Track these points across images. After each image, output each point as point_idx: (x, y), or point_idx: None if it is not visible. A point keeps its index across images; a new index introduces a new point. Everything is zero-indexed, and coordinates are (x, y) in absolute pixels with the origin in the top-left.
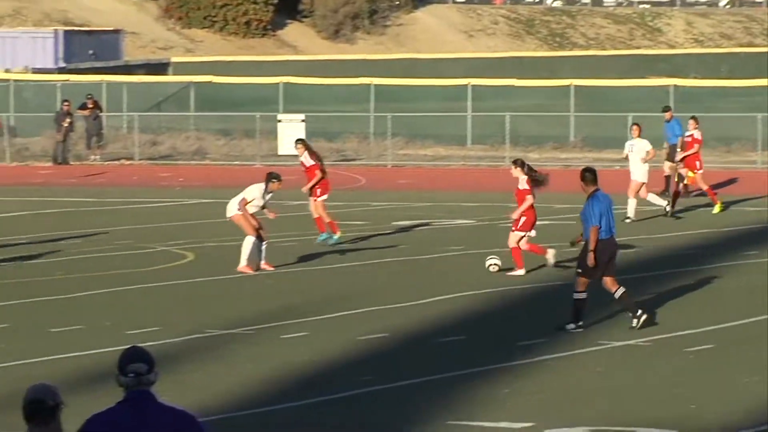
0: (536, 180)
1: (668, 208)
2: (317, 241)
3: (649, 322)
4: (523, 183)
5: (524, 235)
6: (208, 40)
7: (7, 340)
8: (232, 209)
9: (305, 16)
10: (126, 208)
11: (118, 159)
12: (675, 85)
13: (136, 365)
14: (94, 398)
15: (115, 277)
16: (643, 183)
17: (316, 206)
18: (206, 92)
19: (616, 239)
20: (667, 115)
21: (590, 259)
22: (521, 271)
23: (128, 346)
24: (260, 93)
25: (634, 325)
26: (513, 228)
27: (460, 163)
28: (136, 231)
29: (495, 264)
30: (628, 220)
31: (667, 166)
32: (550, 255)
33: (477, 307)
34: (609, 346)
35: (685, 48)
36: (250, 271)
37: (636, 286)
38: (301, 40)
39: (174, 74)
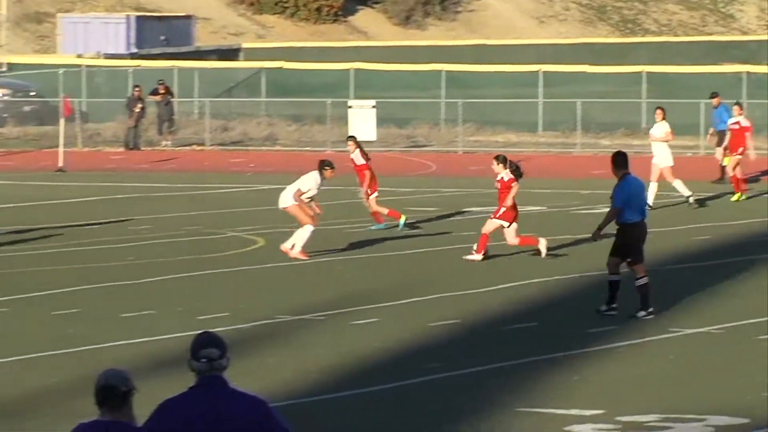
0: (518, 174)
1: (691, 200)
2: (371, 228)
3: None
4: (507, 175)
5: (500, 225)
6: (279, 26)
7: (78, 325)
8: (287, 200)
9: (376, 2)
10: (197, 194)
11: (190, 144)
12: (748, 72)
13: (208, 350)
14: (165, 383)
15: (185, 263)
16: (669, 166)
17: (370, 203)
18: (277, 78)
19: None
20: (715, 101)
21: (594, 234)
22: (479, 257)
23: (200, 332)
24: (331, 79)
25: (639, 315)
26: (492, 216)
27: (531, 150)
28: (206, 216)
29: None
30: (692, 199)
31: (718, 153)
32: (542, 245)
33: (548, 294)
34: (680, 333)
35: (758, 35)
36: (306, 258)
37: (706, 273)
38: (372, 26)
39: (245, 60)
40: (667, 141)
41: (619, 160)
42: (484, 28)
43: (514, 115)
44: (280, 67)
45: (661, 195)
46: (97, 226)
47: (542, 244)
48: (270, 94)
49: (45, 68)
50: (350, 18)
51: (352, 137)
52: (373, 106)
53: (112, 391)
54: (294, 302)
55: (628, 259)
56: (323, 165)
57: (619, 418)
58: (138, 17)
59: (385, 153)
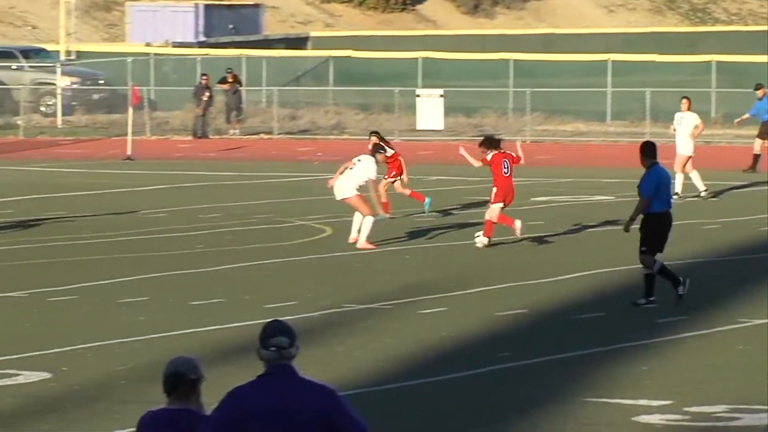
0: (494, 143)
1: (704, 194)
2: (426, 212)
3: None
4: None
5: (503, 205)
6: (347, 14)
7: (147, 313)
8: (348, 191)
9: None
10: (264, 183)
11: (258, 133)
12: None
13: (277, 339)
14: (233, 372)
15: (253, 251)
16: (689, 156)
17: (397, 186)
18: (345, 67)
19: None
20: (760, 92)
21: (626, 225)
22: (486, 240)
23: (270, 320)
24: (399, 68)
25: (640, 302)
26: (491, 202)
27: (600, 139)
28: (274, 205)
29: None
30: (676, 197)
31: (757, 144)
32: (518, 226)
33: (616, 284)
34: (749, 324)
35: None
36: (373, 247)
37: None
38: (441, 15)
39: (313, 49)
40: (694, 134)
41: (648, 149)
42: (553, 17)
43: (583, 105)
44: (348, 56)
45: (722, 186)
46: (165, 215)
47: (518, 225)
48: (338, 82)
49: (113, 56)
50: (418, 7)
51: (375, 132)
52: (441, 95)
53: (181, 379)
54: (361, 291)
55: (642, 248)
56: (377, 149)
57: (687, 409)
58: (206, 6)
59: (453, 142)
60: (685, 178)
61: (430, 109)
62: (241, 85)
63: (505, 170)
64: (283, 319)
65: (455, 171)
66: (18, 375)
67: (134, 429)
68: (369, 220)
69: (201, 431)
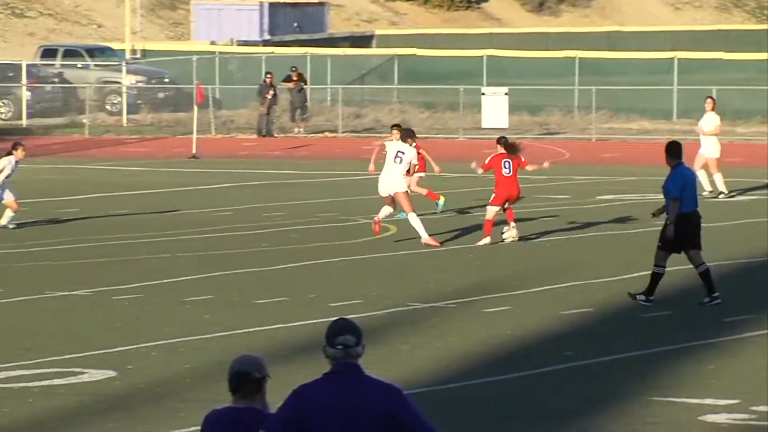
0: (512, 150)
1: (721, 196)
2: (439, 212)
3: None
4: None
5: (499, 209)
6: (412, 12)
7: (212, 312)
8: (401, 185)
9: None
10: (329, 181)
11: (322, 132)
12: None
13: (344, 337)
14: (298, 370)
15: (318, 250)
16: (716, 158)
17: (418, 182)
18: (410, 65)
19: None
20: None
21: (670, 231)
22: (487, 240)
23: (336, 318)
24: (464, 66)
25: (705, 301)
26: (489, 203)
27: (666, 137)
28: (338, 203)
29: (510, 236)
30: (722, 196)
31: None
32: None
33: (683, 283)
34: None
35: None
36: (437, 244)
37: None
38: (506, 13)
39: (378, 47)
40: (716, 134)
41: (673, 149)
42: (618, 15)
43: (649, 102)
44: (413, 54)
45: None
46: (230, 213)
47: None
48: (402, 81)
49: (179, 55)
50: (483, 5)
51: (397, 125)
52: (506, 93)
53: (246, 378)
54: (426, 290)
55: (659, 244)
56: (408, 133)
57: (754, 408)
58: (271, 4)
59: (518, 140)
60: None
61: (494, 108)
62: (305, 84)
63: (506, 170)
64: (349, 318)
65: (520, 169)
66: (83, 373)
67: (199, 427)
68: (414, 217)
69: (266, 429)
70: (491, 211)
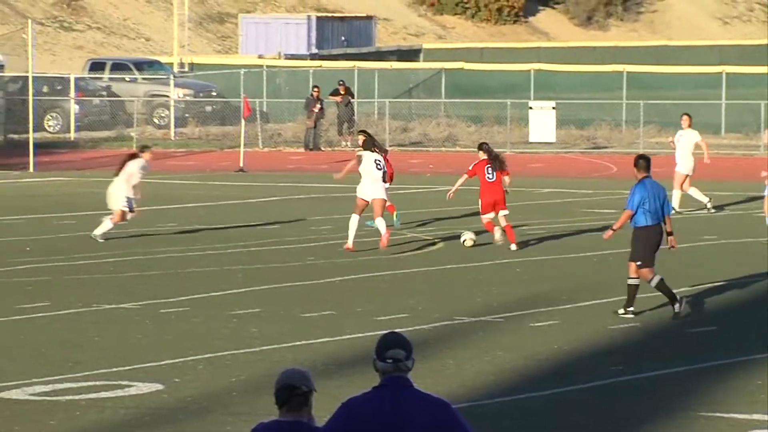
0: (498, 163)
1: (709, 204)
2: (396, 225)
3: (689, 309)
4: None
5: (493, 215)
6: (460, 26)
7: (259, 325)
8: (382, 191)
9: (558, 3)
10: None
11: None
12: None
13: (394, 351)
14: (344, 384)
15: (364, 263)
16: (687, 175)
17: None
18: (457, 79)
19: (663, 228)
20: None
21: (606, 234)
22: (497, 234)
23: (386, 332)
24: (511, 80)
25: (677, 310)
26: (481, 213)
27: (714, 152)
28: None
29: (470, 239)
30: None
31: None
32: (497, 234)
33: (730, 297)
34: None
35: None
36: (352, 249)
37: None
38: (554, 27)
39: (425, 61)
40: (706, 153)
41: (641, 163)
42: (667, 29)
43: (697, 117)
44: (461, 68)
45: None
46: (277, 227)
47: (497, 233)
48: (450, 94)
49: (226, 69)
50: (531, 18)
51: (363, 131)
52: (554, 107)
53: (293, 391)
54: (473, 303)
55: (638, 263)
56: (372, 143)
57: None
58: (319, 18)
59: (565, 154)
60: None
61: (542, 122)
62: (352, 97)
63: (489, 176)
64: (398, 331)
65: (567, 183)
66: (130, 386)
67: None
68: (382, 222)
69: None
70: (486, 219)
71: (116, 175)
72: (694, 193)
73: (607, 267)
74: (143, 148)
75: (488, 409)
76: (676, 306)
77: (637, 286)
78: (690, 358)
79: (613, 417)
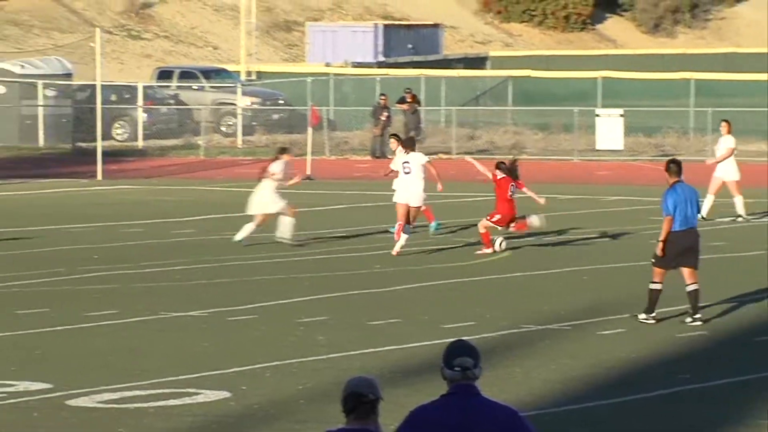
0: (513, 174)
1: (741, 219)
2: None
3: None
4: (500, 175)
5: (491, 225)
6: (527, 34)
7: (326, 333)
8: (423, 198)
9: (625, 10)
10: (443, 203)
11: (436, 153)
12: None
13: (462, 359)
14: (411, 392)
15: (431, 271)
16: (735, 181)
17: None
18: (524, 86)
19: (698, 231)
20: None
21: (658, 249)
22: (488, 251)
23: (454, 340)
24: (578, 87)
25: (687, 321)
26: (489, 219)
27: None
28: (451, 225)
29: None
30: (741, 219)
31: None
32: (498, 243)
33: None
34: None
35: None
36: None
37: None
38: (621, 35)
39: (492, 68)
40: (728, 157)
41: (672, 167)
42: (735, 36)
43: (766, 124)
44: (528, 76)
45: None
46: (343, 234)
47: (497, 242)
48: (516, 102)
49: (293, 77)
50: (598, 26)
51: (394, 135)
52: (621, 115)
53: (360, 399)
54: (540, 311)
55: (652, 260)
56: (409, 143)
57: None
58: (386, 26)
59: (633, 162)
60: (713, 201)
61: (609, 129)
62: (420, 105)
63: (511, 193)
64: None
65: (634, 191)
66: (198, 394)
67: None
68: (400, 228)
69: None
70: (488, 226)
71: (260, 180)
72: (738, 202)
73: (675, 275)
74: (282, 150)
75: (555, 417)
76: (688, 319)
77: (659, 290)
78: (757, 366)
79: (679, 425)
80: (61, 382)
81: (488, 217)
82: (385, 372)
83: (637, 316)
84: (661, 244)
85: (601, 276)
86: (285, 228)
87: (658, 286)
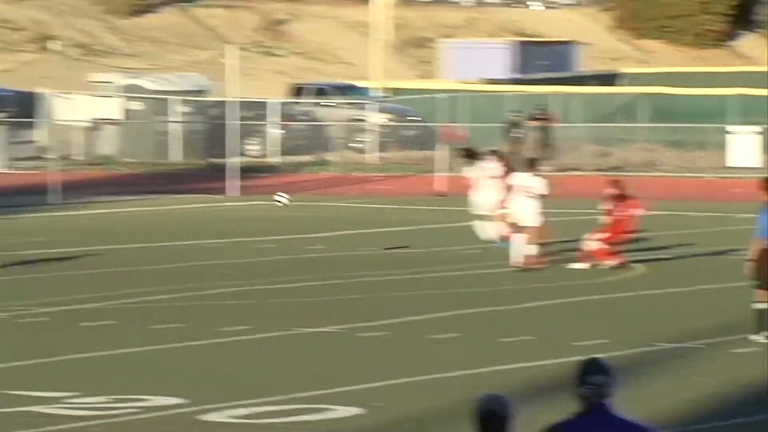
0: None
1: None
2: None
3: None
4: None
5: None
6: (660, 50)
7: (457, 349)
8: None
9: (760, 27)
10: (575, 219)
11: (569, 170)
12: None
13: (596, 377)
14: (542, 410)
15: (563, 289)
16: None
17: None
18: (658, 103)
19: None
20: None
21: (746, 268)
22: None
23: (588, 357)
24: (713, 104)
25: (751, 338)
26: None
27: None
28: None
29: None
30: None
31: None
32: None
33: None
34: None
35: None
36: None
37: None
38: (757, 51)
39: (624, 85)
40: None
41: (766, 186)
42: None
43: None
44: (661, 93)
45: None
46: (478, 251)
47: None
48: (650, 119)
49: (426, 93)
50: (733, 43)
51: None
52: (759, 132)
53: (493, 417)
54: (673, 329)
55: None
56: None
57: None
58: (521, 43)
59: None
60: None
61: (744, 147)
62: (555, 122)
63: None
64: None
65: None
66: (329, 410)
67: None
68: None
69: None
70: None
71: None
72: None
73: None
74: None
75: None
76: (753, 337)
77: (764, 310)
78: None
79: None
80: (194, 397)
81: (597, 236)
82: (516, 389)
83: (747, 337)
84: (748, 264)
85: (735, 294)
86: (490, 231)
87: (763, 306)
